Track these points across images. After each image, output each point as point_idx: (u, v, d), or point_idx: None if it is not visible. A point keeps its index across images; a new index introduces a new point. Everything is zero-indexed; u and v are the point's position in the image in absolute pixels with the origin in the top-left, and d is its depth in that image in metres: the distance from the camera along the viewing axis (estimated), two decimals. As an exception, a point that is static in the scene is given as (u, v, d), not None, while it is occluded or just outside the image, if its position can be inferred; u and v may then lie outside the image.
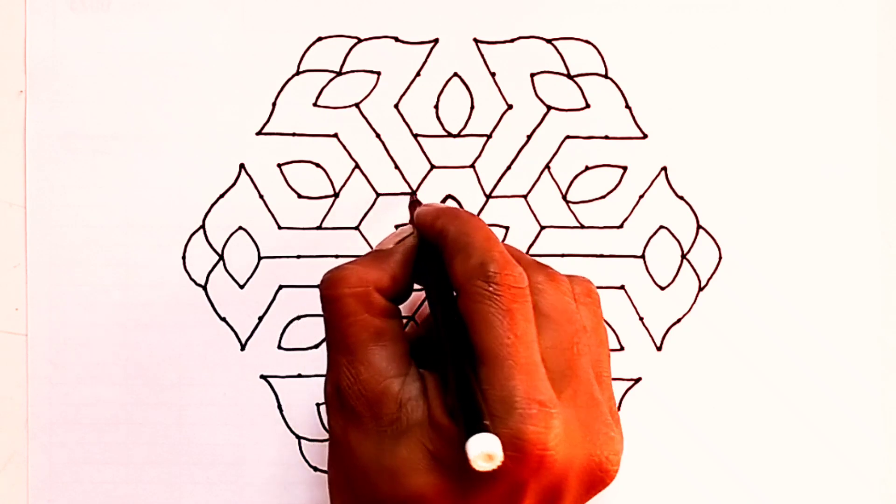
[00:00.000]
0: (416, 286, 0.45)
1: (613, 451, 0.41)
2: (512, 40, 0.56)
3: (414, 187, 0.56)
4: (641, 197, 0.56)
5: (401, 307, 0.44)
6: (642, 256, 0.56)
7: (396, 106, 0.56)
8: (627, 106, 0.56)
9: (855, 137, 0.56)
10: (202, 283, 0.56)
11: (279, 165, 0.56)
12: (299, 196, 0.56)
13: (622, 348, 0.56)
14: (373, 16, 0.56)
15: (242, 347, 0.56)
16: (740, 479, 0.56)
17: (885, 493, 0.56)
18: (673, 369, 0.56)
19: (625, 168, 0.56)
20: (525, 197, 0.56)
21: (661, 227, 0.56)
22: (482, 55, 0.56)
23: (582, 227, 0.56)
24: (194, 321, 0.56)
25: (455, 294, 0.41)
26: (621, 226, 0.56)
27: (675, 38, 0.56)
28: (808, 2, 0.56)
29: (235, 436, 0.56)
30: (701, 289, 0.56)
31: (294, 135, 0.56)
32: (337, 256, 0.56)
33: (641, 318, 0.56)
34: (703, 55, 0.56)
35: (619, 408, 0.56)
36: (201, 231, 0.56)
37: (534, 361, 0.38)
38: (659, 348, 0.56)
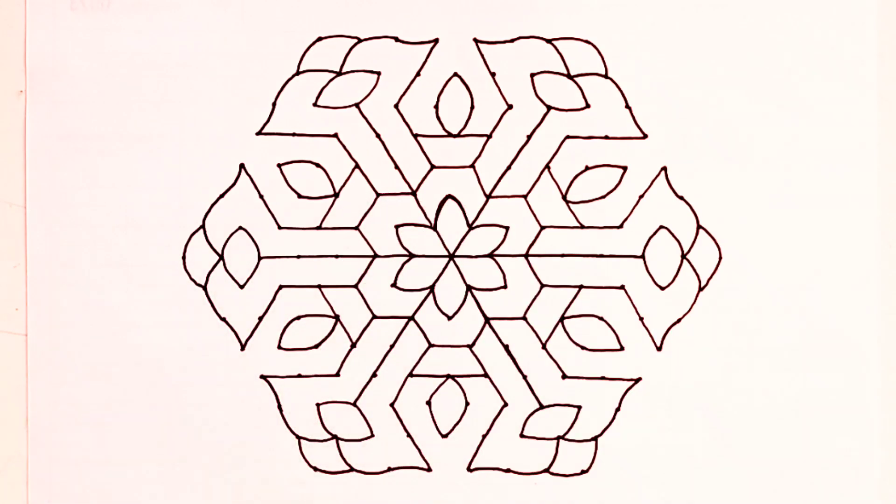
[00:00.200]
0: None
1: None
2: (512, 40, 0.56)
3: (414, 187, 0.56)
4: (641, 197, 0.56)
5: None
6: (642, 256, 0.56)
7: (396, 106, 0.56)
8: (627, 106, 0.56)
9: (855, 137, 0.56)
10: (202, 283, 0.56)
11: (279, 165, 0.56)
12: (299, 196, 0.56)
13: (622, 348, 0.56)
14: (373, 16, 0.56)
15: (242, 347, 0.56)
16: (740, 479, 0.56)
17: (885, 493, 0.56)
18: (673, 369, 0.56)
19: (625, 168, 0.56)
20: (525, 197, 0.56)
21: (661, 227, 0.56)
22: (482, 55, 0.56)
23: (582, 227, 0.56)
24: (194, 321, 0.56)
25: None
26: (621, 226, 0.56)
27: (675, 38, 0.56)
28: (808, 2, 0.56)
29: (235, 436, 0.56)
30: (701, 289, 0.56)
31: (294, 135, 0.56)
32: (337, 256, 0.56)
33: (641, 318, 0.56)
34: (703, 55, 0.56)
35: (619, 408, 0.56)
36: (201, 231, 0.56)
37: None
38: (659, 348, 0.56)
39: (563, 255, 0.56)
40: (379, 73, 0.56)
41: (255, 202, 0.56)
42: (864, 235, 0.56)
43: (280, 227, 0.56)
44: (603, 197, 0.56)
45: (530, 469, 0.56)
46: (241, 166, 0.56)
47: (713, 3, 0.56)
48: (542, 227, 0.56)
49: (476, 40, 0.56)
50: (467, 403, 0.56)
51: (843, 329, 0.56)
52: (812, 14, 0.56)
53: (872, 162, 0.56)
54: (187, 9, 0.56)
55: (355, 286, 0.56)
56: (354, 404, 0.56)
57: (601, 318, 0.56)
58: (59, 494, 0.55)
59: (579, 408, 0.56)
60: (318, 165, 0.56)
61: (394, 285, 0.56)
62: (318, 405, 0.56)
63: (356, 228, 0.56)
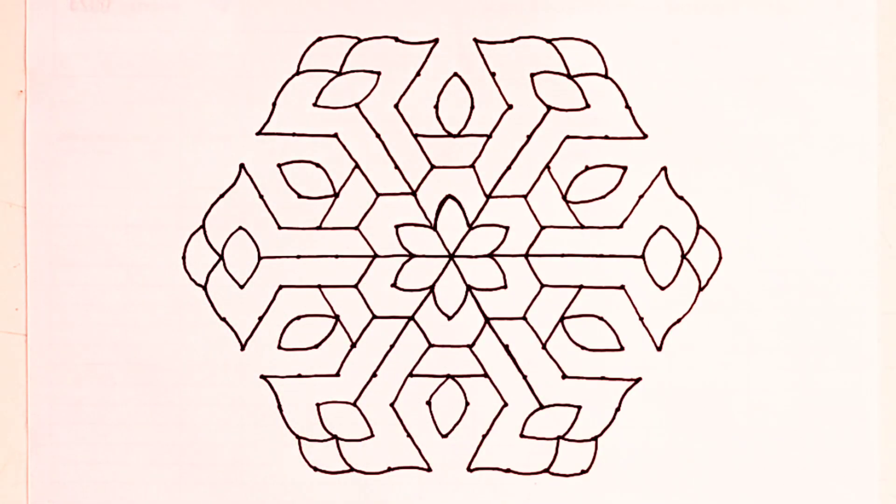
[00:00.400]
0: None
1: None
2: (512, 40, 0.56)
3: (414, 187, 0.56)
4: (641, 197, 0.56)
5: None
6: (642, 256, 0.56)
7: (396, 106, 0.56)
8: (627, 106, 0.56)
9: (855, 137, 0.56)
10: (202, 283, 0.56)
11: (279, 165, 0.56)
12: (299, 196, 0.56)
13: (622, 348, 0.56)
14: (373, 16, 0.56)
15: (242, 347, 0.56)
16: (740, 479, 0.56)
17: (885, 493, 0.56)
18: (673, 369, 0.56)
19: (625, 168, 0.56)
20: (525, 197, 0.56)
21: (661, 227, 0.56)
22: (482, 55, 0.56)
23: (582, 227, 0.56)
24: (194, 321, 0.56)
25: None
26: (621, 226, 0.56)
27: (675, 38, 0.56)
28: (807, 2, 0.56)
29: (235, 436, 0.56)
30: (701, 289, 0.56)
31: (294, 135, 0.56)
32: (337, 256, 0.56)
33: (641, 318, 0.56)
34: (703, 55, 0.56)
35: (619, 408, 0.56)
36: (201, 231, 0.56)
37: None
38: (659, 348, 0.56)
39: (563, 255, 0.56)
40: (379, 73, 0.56)
41: (255, 202, 0.56)
42: (864, 235, 0.56)
43: (280, 227, 0.56)
44: (603, 197, 0.56)
45: (530, 469, 0.56)
46: (241, 166, 0.56)
47: (713, 3, 0.56)
48: (542, 227, 0.56)
49: (476, 40, 0.56)
50: (467, 403, 0.56)
51: (842, 329, 0.56)
52: (812, 15, 0.56)
53: (872, 162, 0.56)
54: (187, 9, 0.56)
55: (355, 286, 0.56)
56: (354, 404, 0.56)
57: (601, 318, 0.56)
58: (59, 494, 0.55)
59: (579, 408, 0.56)
60: (318, 165, 0.56)
61: (394, 285, 0.56)
62: (318, 405, 0.56)
63: (356, 228, 0.56)
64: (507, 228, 0.56)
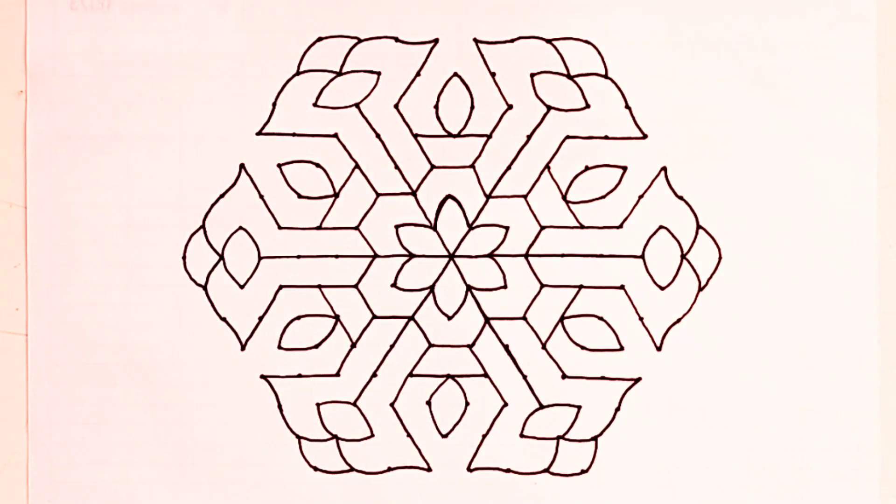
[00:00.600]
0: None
1: None
2: (512, 40, 0.56)
3: (414, 187, 0.56)
4: (641, 197, 0.56)
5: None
6: (642, 256, 0.56)
7: (396, 106, 0.56)
8: (627, 106, 0.56)
9: (855, 137, 0.56)
10: (202, 283, 0.56)
11: (279, 165, 0.56)
12: (299, 196, 0.56)
13: (622, 348, 0.56)
14: (373, 16, 0.56)
15: (242, 347, 0.56)
16: (740, 479, 0.56)
17: (885, 493, 0.56)
18: (673, 369, 0.56)
19: (624, 168, 0.56)
20: (525, 197, 0.56)
21: (661, 227, 0.56)
22: (482, 55, 0.56)
23: (582, 227, 0.56)
24: (194, 321, 0.56)
25: None
26: (621, 226, 0.56)
27: (675, 38, 0.56)
28: (808, 3, 0.56)
29: (235, 436, 0.56)
30: (701, 289, 0.56)
31: (294, 135, 0.56)
32: (337, 256, 0.56)
33: (641, 318, 0.56)
34: (703, 55, 0.56)
35: (619, 408, 0.56)
36: (201, 231, 0.56)
37: None
38: (659, 348, 0.56)
39: (563, 255, 0.56)
40: (379, 73, 0.56)
41: (255, 202, 0.56)
42: (864, 235, 0.56)
43: (280, 227, 0.56)
44: (603, 197, 0.56)
45: (530, 469, 0.56)
46: (241, 166, 0.56)
47: (713, 3, 0.56)
48: (542, 227, 0.56)
49: (476, 40, 0.56)
50: (467, 403, 0.56)
51: (842, 329, 0.56)
52: (812, 15, 0.56)
53: (872, 162, 0.56)
54: (187, 9, 0.56)
55: (355, 286, 0.56)
56: (354, 404, 0.56)
57: (601, 318, 0.56)
58: (59, 494, 0.55)
59: (579, 408, 0.56)
60: (318, 165, 0.56)
61: (394, 285, 0.56)
62: (318, 405, 0.56)
63: (356, 228, 0.56)
64: (507, 228, 0.56)
